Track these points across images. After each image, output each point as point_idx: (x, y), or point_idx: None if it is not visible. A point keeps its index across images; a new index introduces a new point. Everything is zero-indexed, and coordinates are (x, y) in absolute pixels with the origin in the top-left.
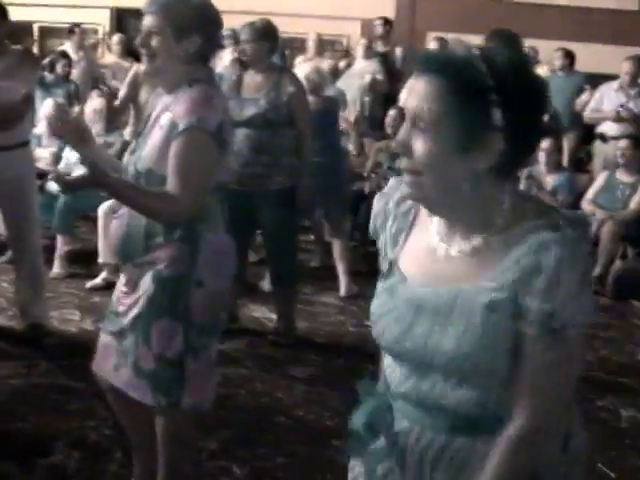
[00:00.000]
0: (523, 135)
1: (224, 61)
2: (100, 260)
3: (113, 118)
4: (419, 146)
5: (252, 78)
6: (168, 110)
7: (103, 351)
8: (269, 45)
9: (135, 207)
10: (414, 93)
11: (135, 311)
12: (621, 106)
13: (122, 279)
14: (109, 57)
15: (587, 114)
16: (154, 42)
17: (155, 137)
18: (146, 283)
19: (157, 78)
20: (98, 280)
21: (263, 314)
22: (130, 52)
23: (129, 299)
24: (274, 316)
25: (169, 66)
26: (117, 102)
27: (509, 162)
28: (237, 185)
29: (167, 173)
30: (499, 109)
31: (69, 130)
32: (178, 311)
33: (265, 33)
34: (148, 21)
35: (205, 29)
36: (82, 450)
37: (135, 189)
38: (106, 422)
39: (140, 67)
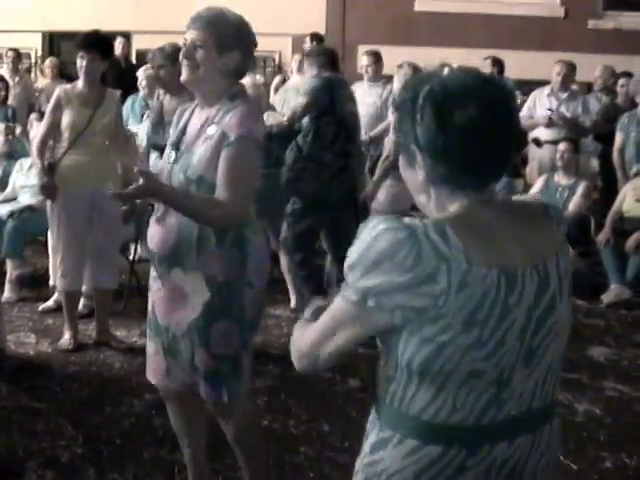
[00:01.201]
0: (440, 152)
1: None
2: (51, 282)
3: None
4: None
5: (169, 102)
6: (214, 122)
7: (152, 360)
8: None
9: (188, 214)
10: None
11: (191, 317)
12: (549, 110)
13: (159, 285)
14: (42, 81)
15: (520, 121)
16: (198, 55)
17: (204, 147)
18: (200, 289)
19: (197, 89)
20: (50, 302)
21: None
22: (63, 75)
23: (178, 306)
24: None
25: (210, 79)
26: (42, 130)
27: (441, 177)
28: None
29: (217, 180)
30: (419, 127)
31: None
32: (234, 312)
33: (177, 56)
34: (193, 35)
35: (244, 45)
36: (55, 470)
37: (188, 197)
38: (76, 440)
39: (63, 88)
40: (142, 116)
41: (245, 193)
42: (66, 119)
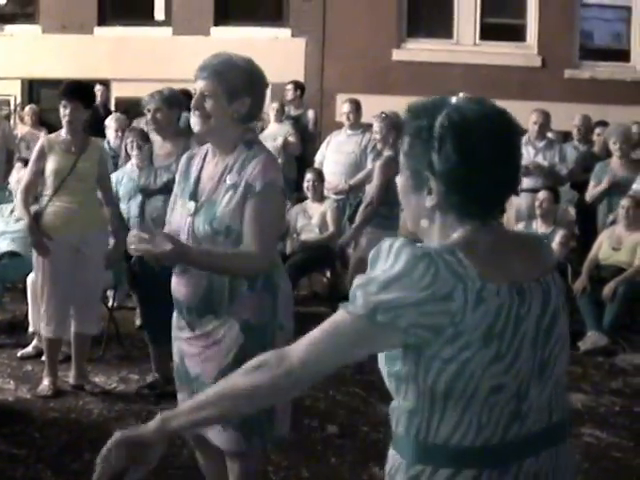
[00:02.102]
0: (457, 181)
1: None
2: (30, 329)
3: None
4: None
5: (160, 146)
6: (233, 171)
7: None
8: (177, 112)
9: (218, 272)
10: None
11: (224, 363)
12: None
13: (188, 334)
14: (22, 128)
15: None
16: (208, 105)
17: (227, 197)
18: (233, 333)
19: (211, 139)
20: (29, 349)
21: None
22: (43, 122)
23: (210, 353)
24: None
25: (222, 127)
26: (27, 178)
27: (453, 204)
28: None
29: (244, 230)
30: (437, 155)
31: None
32: None
33: (173, 100)
34: (201, 85)
35: (254, 90)
36: None
37: (216, 256)
38: None
39: (46, 137)
40: (114, 165)
41: (273, 241)
42: (50, 166)
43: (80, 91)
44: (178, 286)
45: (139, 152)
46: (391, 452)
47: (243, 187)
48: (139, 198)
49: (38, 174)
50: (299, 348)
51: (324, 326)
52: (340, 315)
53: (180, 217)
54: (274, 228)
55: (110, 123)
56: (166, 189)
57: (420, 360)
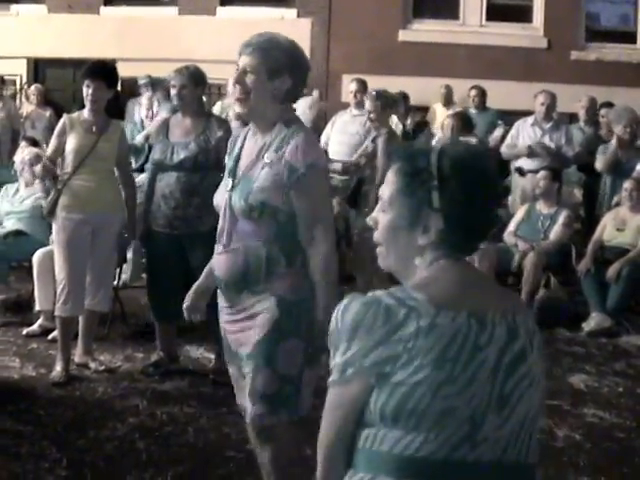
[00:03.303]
0: (458, 218)
1: (144, 106)
2: (37, 307)
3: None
4: (380, 221)
5: (179, 122)
6: (271, 149)
7: (235, 384)
8: (201, 90)
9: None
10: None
11: (257, 336)
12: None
13: (229, 311)
14: (27, 107)
15: (503, 150)
16: (249, 80)
17: (264, 173)
18: (269, 308)
19: (250, 116)
20: (35, 327)
21: (201, 354)
22: (48, 102)
23: (247, 328)
24: (212, 356)
25: (261, 103)
26: (48, 153)
27: (448, 241)
28: (168, 229)
29: (280, 205)
30: (437, 193)
31: None
32: (302, 331)
33: (199, 78)
34: (244, 60)
35: (295, 70)
36: None
37: (326, 297)
38: (60, 464)
39: (68, 116)
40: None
41: (330, 219)
42: (70, 144)
43: (103, 71)
44: (218, 263)
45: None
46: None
47: (283, 166)
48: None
49: (58, 152)
50: (321, 434)
51: (325, 408)
52: (329, 389)
53: (222, 194)
54: (327, 205)
55: (142, 101)
56: (181, 166)
57: (374, 385)
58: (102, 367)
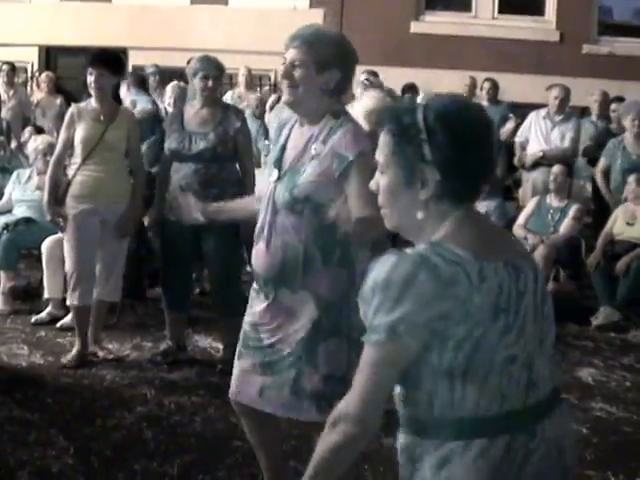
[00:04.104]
0: (453, 167)
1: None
2: (46, 295)
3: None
4: (380, 185)
5: (196, 112)
6: (319, 140)
7: (243, 379)
8: (222, 80)
9: None
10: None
11: (299, 336)
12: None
13: (264, 304)
14: (38, 94)
15: (521, 153)
16: (297, 74)
17: (311, 167)
18: (308, 308)
19: (298, 109)
20: (43, 315)
21: (209, 344)
22: (59, 89)
23: (284, 325)
24: (220, 345)
25: (310, 97)
26: (58, 148)
27: (448, 191)
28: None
29: (324, 201)
30: (428, 146)
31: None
32: (342, 331)
33: (222, 68)
34: (291, 54)
35: (344, 63)
36: (46, 479)
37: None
38: (67, 451)
39: (76, 105)
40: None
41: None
42: (79, 134)
43: (106, 58)
44: (257, 257)
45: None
46: (408, 438)
47: (330, 156)
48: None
49: (68, 143)
50: (354, 399)
51: (362, 368)
52: (369, 351)
53: (265, 184)
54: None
55: (167, 90)
56: (200, 157)
57: (432, 345)
58: (111, 356)
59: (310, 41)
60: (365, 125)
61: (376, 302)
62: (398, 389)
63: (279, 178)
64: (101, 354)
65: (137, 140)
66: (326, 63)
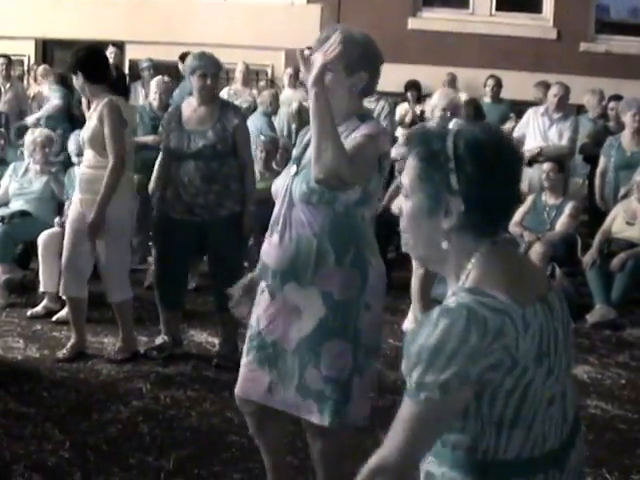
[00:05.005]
0: (478, 199)
1: (152, 90)
2: (41, 289)
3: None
4: (403, 210)
5: (194, 110)
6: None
7: (250, 376)
8: (220, 77)
9: None
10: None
11: (303, 334)
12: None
13: (269, 299)
14: (35, 87)
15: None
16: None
17: None
18: (315, 305)
19: None
20: (39, 308)
21: (205, 339)
22: (57, 82)
23: (289, 321)
24: (215, 340)
25: (338, 100)
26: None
27: (470, 223)
28: (188, 215)
29: (339, 193)
30: (455, 175)
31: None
32: (349, 333)
33: (220, 65)
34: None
35: (371, 65)
36: (42, 473)
37: None
38: (63, 445)
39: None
40: (154, 128)
41: (364, 170)
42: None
43: (79, 64)
44: (268, 249)
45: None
46: (441, 470)
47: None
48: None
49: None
50: (396, 453)
51: (407, 422)
52: (417, 407)
53: (283, 180)
54: (367, 159)
55: (151, 85)
56: (199, 155)
57: (482, 396)
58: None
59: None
60: None
61: (426, 362)
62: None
63: (297, 173)
64: (142, 351)
65: (111, 128)
66: (355, 65)
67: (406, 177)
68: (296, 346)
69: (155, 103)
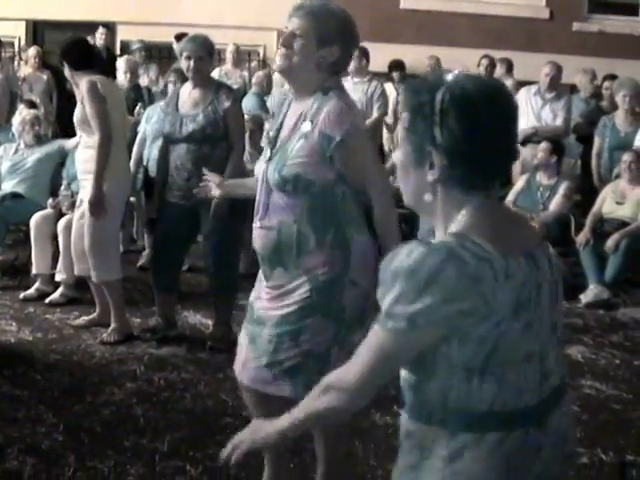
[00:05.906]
0: (461, 154)
1: (151, 74)
2: (34, 271)
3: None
4: (395, 160)
5: (189, 93)
6: (307, 119)
7: (238, 351)
8: (211, 60)
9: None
10: None
11: (285, 311)
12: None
13: (264, 284)
14: (25, 69)
15: None
16: (296, 44)
17: (299, 146)
18: (302, 287)
19: (289, 78)
20: (32, 291)
21: (199, 320)
22: (46, 64)
23: (277, 302)
24: (209, 322)
25: (304, 69)
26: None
27: (456, 177)
28: (182, 200)
29: (314, 178)
30: (439, 129)
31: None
32: (332, 312)
33: (212, 48)
34: (294, 23)
35: (345, 42)
36: (36, 456)
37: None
38: (57, 428)
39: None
40: (133, 107)
41: (384, 179)
42: None
43: (66, 54)
44: (255, 237)
45: None
46: (416, 425)
47: (317, 136)
48: (159, 142)
49: None
50: (354, 373)
51: (370, 347)
52: (382, 334)
53: (261, 164)
54: (376, 167)
55: (120, 65)
56: (190, 139)
57: (451, 340)
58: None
59: (316, 13)
60: None
61: (398, 289)
62: (408, 375)
63: (270, 158)
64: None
65: (90, 109)
66: (327, 38)
67: (400, 127)
68: (275, 322)
69: (126, 84)
